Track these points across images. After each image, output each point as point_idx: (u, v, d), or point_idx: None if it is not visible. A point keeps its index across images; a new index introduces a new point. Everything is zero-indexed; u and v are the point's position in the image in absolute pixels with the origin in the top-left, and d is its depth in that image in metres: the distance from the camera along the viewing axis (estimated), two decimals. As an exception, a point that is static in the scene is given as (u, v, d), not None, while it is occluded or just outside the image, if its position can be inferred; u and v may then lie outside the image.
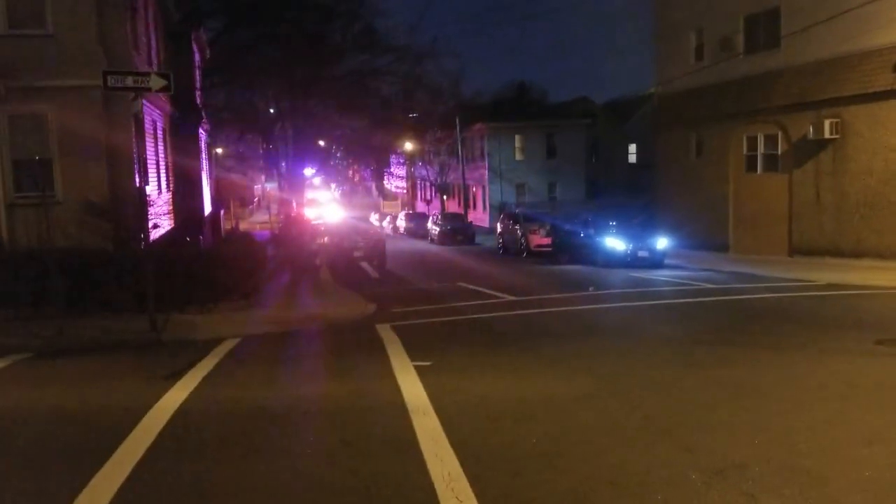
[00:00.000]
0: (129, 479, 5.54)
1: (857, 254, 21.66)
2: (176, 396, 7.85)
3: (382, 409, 7.24)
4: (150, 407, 7.43)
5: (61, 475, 5.76)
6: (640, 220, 28.59)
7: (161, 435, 6.60)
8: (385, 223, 53.17)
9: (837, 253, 22.36)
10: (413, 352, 10.00)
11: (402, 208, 64.57)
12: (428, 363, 9.22)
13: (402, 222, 51.68)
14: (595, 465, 5.59)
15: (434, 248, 38.68)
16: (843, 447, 5.87)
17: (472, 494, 5.01)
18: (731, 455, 5.67)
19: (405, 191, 78.74)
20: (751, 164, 26.24)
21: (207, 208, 29.96)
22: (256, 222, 56.39)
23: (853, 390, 7.61)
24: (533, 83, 66.97)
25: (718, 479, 5.18)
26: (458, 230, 41.26)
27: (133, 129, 15.54)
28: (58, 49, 15.09)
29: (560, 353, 10.24)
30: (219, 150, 43.38)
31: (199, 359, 9.88)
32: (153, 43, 20.70)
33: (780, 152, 24.80)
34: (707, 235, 27.38)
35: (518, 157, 55.35)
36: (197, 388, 8.23)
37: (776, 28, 24.24)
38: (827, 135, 22.26)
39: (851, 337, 10.64)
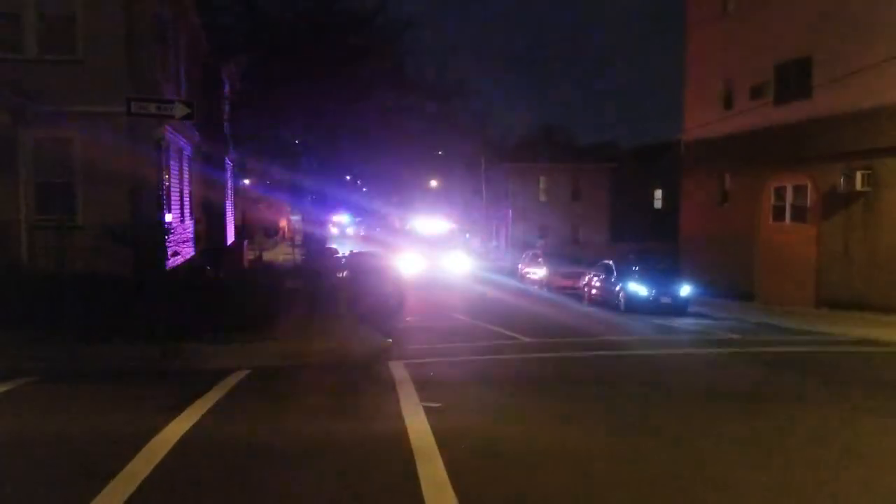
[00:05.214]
0: (116, 515, 5.32)
1: (887, 309, 21.05)
2: (176, 429, 7.63)
3: (387, 453, 6.96)
4: (148, 439, 7.22)
5: (49, 508, 5.57)
6: (663, 266, 28.17)
7: (156, 470, 6.37)
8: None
9: (866, 307, 21.77)
10: (424, 392, 9.72)
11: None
12: (438, 405, 8.93)
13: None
14: (606, 525, 5.26)
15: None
16: (872, 517, 5.50)
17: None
18: (751, 520, 5.32)
19: (429, 227, 78.79)
20: (778, 214, 25.82)
21: (230, 238, 30.06)
22: (280, 253, 56.55)
23: (881, 456, 7.19)
24: (560, 126, 67.12)
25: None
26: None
27: (157, 157, 15.61)
28: (86, 75, 15.27)
29: (575, 400, 9.91)
30: (245, 181, 43.67)
31: (206, 390, 9.66)
32: (182, 73, 20.95)
33: (808, 203, 24.37)
34: (732, 284, 26.88)
35: (542, 198, 55.27)
36: (199, 422, 8.01)
37: (808, 77, 23.99)
38: (858, 187, 21.86)
39: (881, 396, 10.21)
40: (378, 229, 72.98)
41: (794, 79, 24.79)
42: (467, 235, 65.00)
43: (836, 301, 22.97)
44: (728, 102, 28.11)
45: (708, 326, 19.57)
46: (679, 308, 23.05)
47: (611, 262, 26.53)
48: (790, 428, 8.24)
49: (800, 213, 24.85)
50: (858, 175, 21.81)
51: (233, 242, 30.90)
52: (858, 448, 7.40)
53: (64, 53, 15.40)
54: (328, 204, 39.98)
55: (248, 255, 36.76)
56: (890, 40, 20.77)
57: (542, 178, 55.25)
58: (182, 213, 20.37)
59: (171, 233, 17.62)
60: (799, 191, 24.85)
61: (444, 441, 7.22)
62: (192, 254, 21.99)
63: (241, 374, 11.14)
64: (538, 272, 33.15)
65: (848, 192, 22.28)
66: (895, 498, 5.93)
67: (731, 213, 27.93)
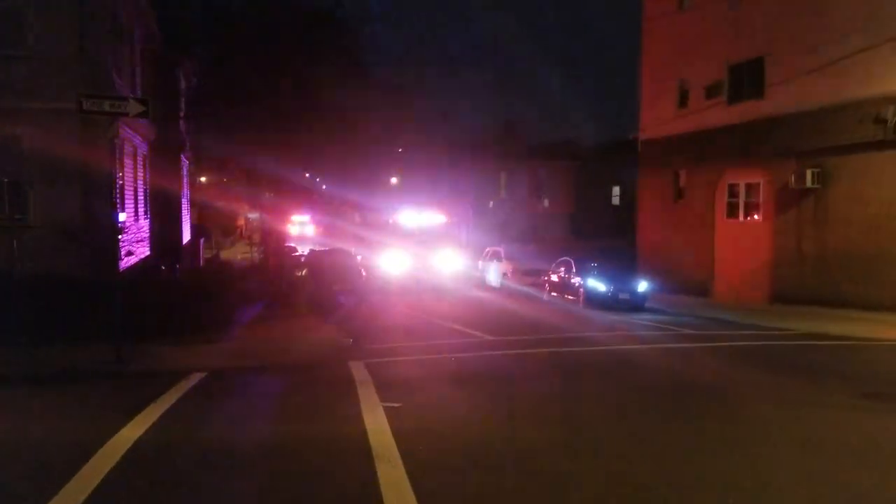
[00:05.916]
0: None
1: (838, 304, 21.56)
2: (131, 433, 7.51)
3: (346, 454, 6.93)
4: (103, 443, 7.10)
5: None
6: (622, 263, 28.48)
7: (110, 474, 6.27)
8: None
9: (818, 302, 22.27)
10: (384, 392, 9.70)
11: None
12: (398, 404, 8.93)
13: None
14: (563, 522, 5.32)
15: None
16: (821, 509, 5.65)
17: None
18: (705, 514, 5.43)
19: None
20: (732, 211, 26.31)
21: (187, 236, 29.62)
22: (238, 252, 55.85)
23: (835, 447, 7.38)
24: (520, 122, 67.55)
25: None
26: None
27: (111, 155, 15.27)
28: (36, 71, 14.88)
29: (535, 398, 9.98)
30: (202, 179, 43.04)
31: (162, 393, 9.52)
32: (137, 69, 20.56)
33: (761, 200, 24.89)
34: (687, 280, 27.32)
35: (503, 195, 55.53)
36: (154, 425, 7.90)
37: (760, 78, 24.47)
38: (809, 184, 22.36)
39: (833, 389, 10.46)
40: (338, 227, 72.49)
41: (747, 79, 25.25)
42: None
43: (789, 296, 23.48)
44: (683, 101, 28.55)
45: (664, 322, 19.87)
46: (637, 304, 23.36)
47: (570, 259, 26.77)
48: (745, 422, 8.42)
49: (753, 210, 25.37)
50: (808, 172, 22.29)
51: (189, 241, 30.45)
52: (810, 440, 7.58)
53: (13, 48, 14.95)
54: (287, 202, 39.61)
55: (205, 254, 36.29)
56: (840, 42, 21.28)
57: (503, 175, 55.53)
58: (136, 212, 20.01)
59: (126, 232, 17.33)
60: (752, 188, 25.36)
61: (404, 441, 7.22)
62: (148, 253, 21.62)
63: (198, 377, 11.01)
64: (499, 269, 33.33)
65: (799, 189, 22.79)
66: (847, 491, 6.08)
67: (686, 210, 28.38)
